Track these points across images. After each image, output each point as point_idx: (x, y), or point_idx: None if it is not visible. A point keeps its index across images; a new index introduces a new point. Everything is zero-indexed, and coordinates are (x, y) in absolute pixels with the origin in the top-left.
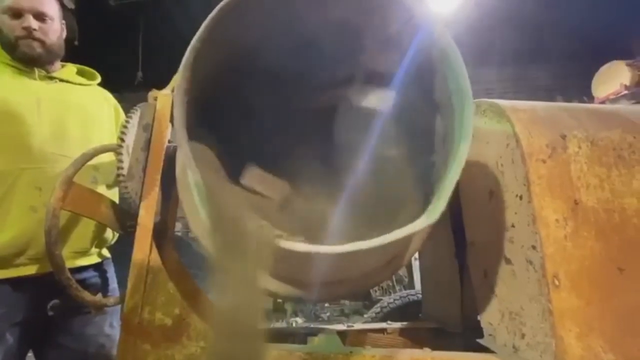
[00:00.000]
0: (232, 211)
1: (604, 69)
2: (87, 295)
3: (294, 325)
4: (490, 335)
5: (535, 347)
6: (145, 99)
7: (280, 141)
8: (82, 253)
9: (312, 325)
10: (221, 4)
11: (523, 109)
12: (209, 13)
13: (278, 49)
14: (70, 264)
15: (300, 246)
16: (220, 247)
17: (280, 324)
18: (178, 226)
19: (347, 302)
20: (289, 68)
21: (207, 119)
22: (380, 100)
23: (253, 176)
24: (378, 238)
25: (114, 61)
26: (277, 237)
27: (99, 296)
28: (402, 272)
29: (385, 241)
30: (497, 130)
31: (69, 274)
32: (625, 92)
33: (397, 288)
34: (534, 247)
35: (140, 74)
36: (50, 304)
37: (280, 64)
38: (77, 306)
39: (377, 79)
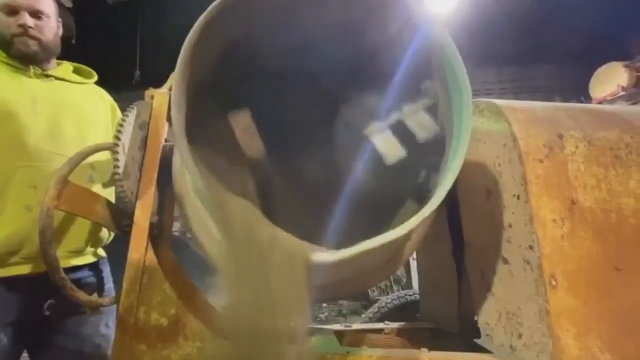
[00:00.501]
0: (253, 226)
1: (601, 70)
2: (82, 295)
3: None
4: (487, 335)
5: (533, 347)
6: (143, 98)
7: (278, 140)
8: (77, 252)
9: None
10: (217, 1)
11: (521, 108)
12: None
13: (278, 49)
14: (65, 263)
15: (331, 256)
16: (244, 261)
17: None
18: (175, 226)
19: (344, 302)
20: (289, 68)
21: (205, 117)
22: (388, 147)
23: (240, 121)
24: (379, 237)
25: (111, 60)
26: (311, 250)
27: (95, 296)
28: (400, 272)
29: (386, 239)
30: (495, 129)
31: (63, 274)
32: (623, 93)
33: (395, 288)
34: (531, 247)
35: (138, 72)
36: (46, 304)
37: (280, 64)
38: (72, 306)
39: (378, 80)
